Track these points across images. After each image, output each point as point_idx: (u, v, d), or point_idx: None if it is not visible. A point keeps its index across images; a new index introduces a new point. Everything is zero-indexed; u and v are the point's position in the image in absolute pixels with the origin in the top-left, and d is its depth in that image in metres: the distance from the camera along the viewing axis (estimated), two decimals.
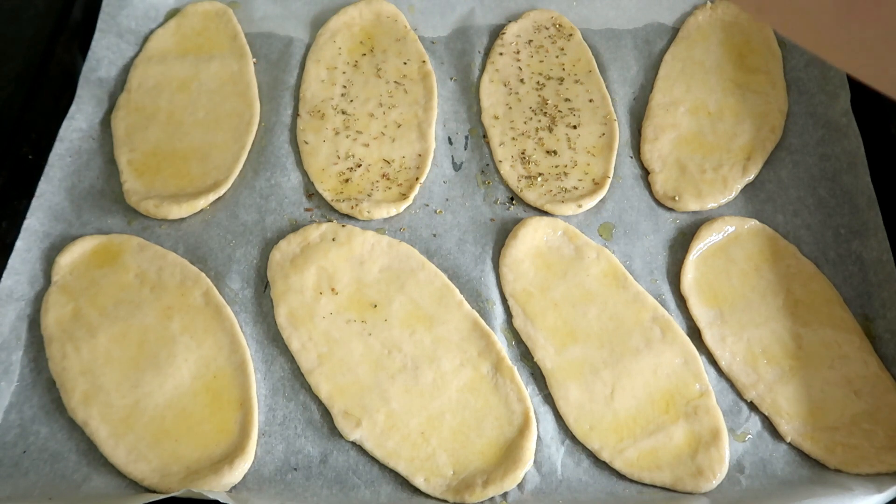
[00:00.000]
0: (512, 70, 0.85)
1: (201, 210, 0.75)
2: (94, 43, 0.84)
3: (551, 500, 0.61)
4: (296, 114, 0.81)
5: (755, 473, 0.63)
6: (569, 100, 0.83)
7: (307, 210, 0.75)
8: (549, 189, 0.77)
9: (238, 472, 0.60)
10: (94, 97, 0.82)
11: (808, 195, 0.77)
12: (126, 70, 0.84)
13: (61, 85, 0.81)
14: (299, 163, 0.78)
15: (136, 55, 0.85)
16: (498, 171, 0.78)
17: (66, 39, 0.82)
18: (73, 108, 0.80)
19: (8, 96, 0.76)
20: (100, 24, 0.85)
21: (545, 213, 0.75)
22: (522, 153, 0.79)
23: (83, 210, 0.75)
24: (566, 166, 0.78)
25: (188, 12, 0.88)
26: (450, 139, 0.81)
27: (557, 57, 0.86)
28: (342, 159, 0.78)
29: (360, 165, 0.77)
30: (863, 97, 0.80)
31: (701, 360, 0.67)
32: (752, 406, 0.66)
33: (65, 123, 0.78)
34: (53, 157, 0.76)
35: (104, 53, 0.84)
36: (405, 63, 0.84)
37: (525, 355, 0.68)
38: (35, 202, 0.74)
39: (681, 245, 0.75)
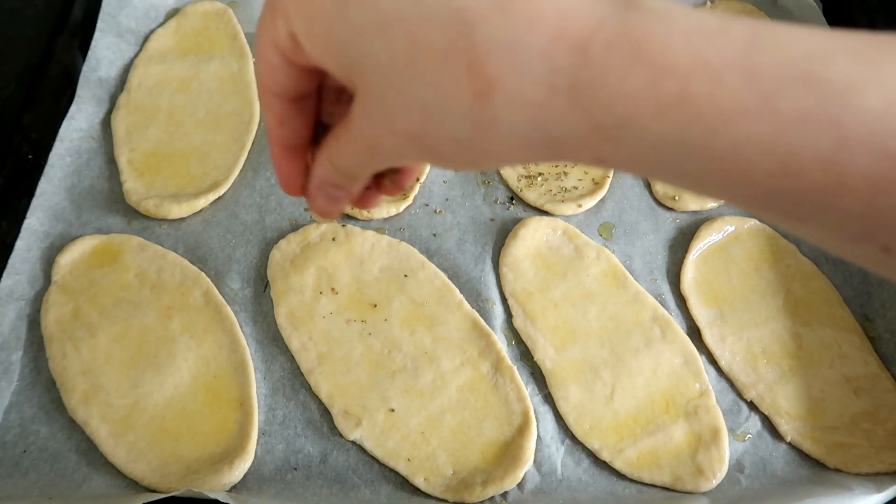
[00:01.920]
0: None
1: (201, 210, 0.75)
2: (94, 43, 0.84)
3: (551, 499, 0.61)
4: None
5: (755, 473, 0.63)
6: None
7: (307, 210, 0.75)
8: (549, 189, 0.77)
9: (238, 471, 0.60)
10: (94, 97, 0.82)
11: None
12: (126, 70, 0.84)
13: (61, 85, 0.81)
14: None
15: (137, 55, 0.85)
16: (498, 171, 0.78)
17: (65, 39, 0.82)
18: (73, 108, 0.80)
19: (8, 96, 0.76)
20: (100, 24, 0.85)
21: (545, 213, 0.75)
22: None
23: (83, 210, 0.75)
24: (566, 166, 0.78)
25: (188, 12, 0.88)
26: None
27: None
28: None
29: None
30: None
31: (701, 360, 0.67)
32: (752, 406, 0.66)
33: (65, 123, 0.78)
34: (53, 157, 0.76)
35: (104, 53, 0.84)
36: None
37: (525, 355, 0.68)
38: (35, 202, 0.74)
39: (681, 245, 0.75)
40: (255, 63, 0.36)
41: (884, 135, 0.23)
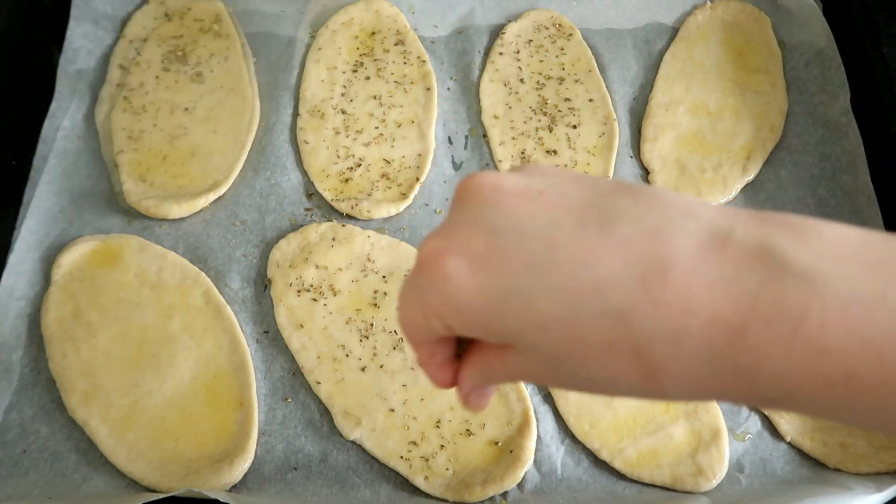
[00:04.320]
0: (512, 70, 0.85)
1: (201, 210, 0.75)
2: (69, 32, 0.81)
3: (551, 499, 0.61)
4: (296, 113, 0.81)
5: (755, 473, 0.63)
6: (569, 99, 0.83)
7: (307, 210, 0.75)
8: None
9: (238, 471, 0.60)
10: (74, 91, 0.80)
11: (807, 195, 0.77)
12: (105, 59, 0.82)
13: (38, 81, 0.79)
14: (299, 162, 0.78)
15: (115, 42, 0.83)
16: (498, 171, 0.78)
17: (38, 31, 0.79)
18: (53, 106, 0.78)
19: None
20: (73, 12, 0.81)
21: None
22: (522, 153, 0.79)
23: (83, 210, 0.75)
24: (566, 166, 0.78)
25: None
26: (450, 139, 0.81)
27: (557, 57, 0.86)
28: (342, 159, 0.78)
29: (360, 165, 0.77)
30: (863, 97, 0.80)
31: None
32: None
33: (47, 122, 0.77)
34: (53, 157, 0.76)
35: (81, 43, 0.81)
36: (405, 63, 0.84)
37: None
38: (35, 202, 0.73)
39: None
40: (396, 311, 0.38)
41: None
